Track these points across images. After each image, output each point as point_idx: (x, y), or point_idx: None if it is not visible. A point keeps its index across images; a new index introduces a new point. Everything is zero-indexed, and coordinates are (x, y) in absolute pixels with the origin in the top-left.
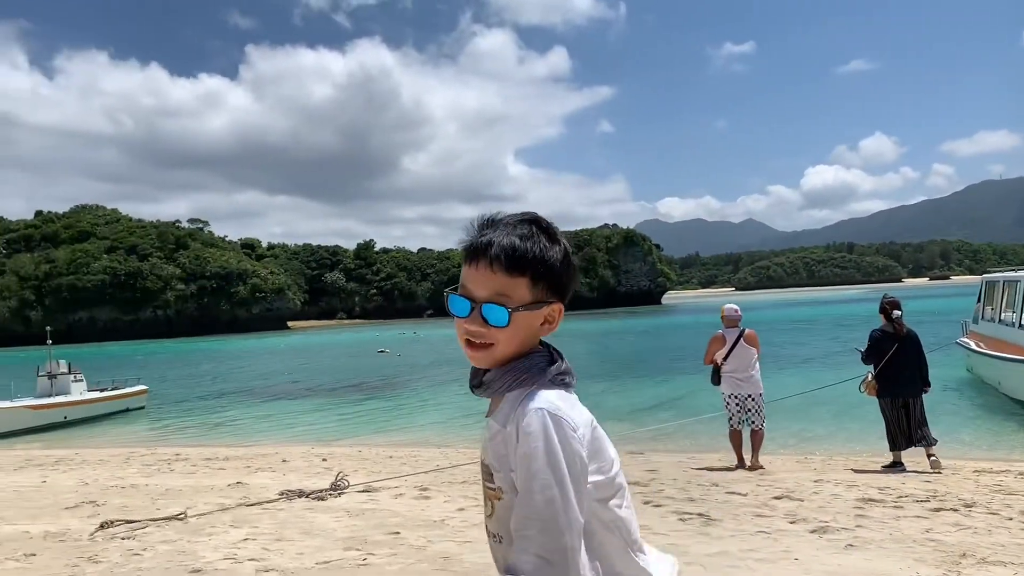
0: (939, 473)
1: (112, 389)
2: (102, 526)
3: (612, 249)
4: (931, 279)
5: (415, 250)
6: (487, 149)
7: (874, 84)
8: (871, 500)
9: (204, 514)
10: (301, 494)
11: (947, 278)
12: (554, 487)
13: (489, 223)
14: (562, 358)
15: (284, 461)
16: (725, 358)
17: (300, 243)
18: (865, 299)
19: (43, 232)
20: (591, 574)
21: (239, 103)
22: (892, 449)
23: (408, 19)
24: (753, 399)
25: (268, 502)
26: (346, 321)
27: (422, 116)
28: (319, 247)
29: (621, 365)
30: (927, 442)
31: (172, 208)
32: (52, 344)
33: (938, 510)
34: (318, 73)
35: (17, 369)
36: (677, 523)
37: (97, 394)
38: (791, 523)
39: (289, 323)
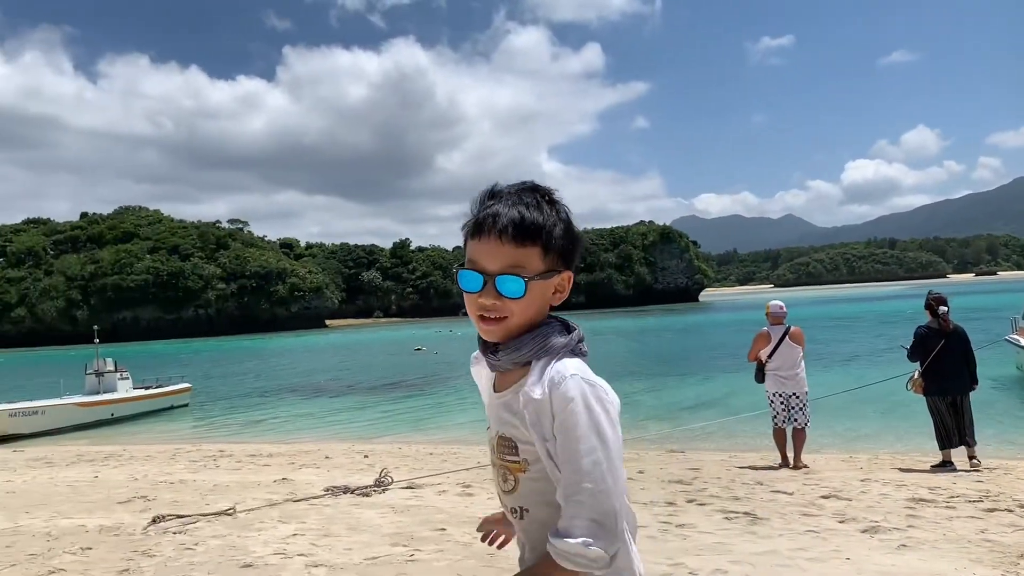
0: (987, 471)
1: (157, 387)
2: (154, 520)
3: (648, 246)
4: (977, 275)
5: (450, 248)
6: (521, 147)
7: (916, 76)
8: (922, 500)
9: (252, 509)
10: (346, 490)
11: (994, 273)
12: (599, 451)
13: (491, 195)
14: (576, 326)
15: (327, 458)
16: (770, 355)
17: (337, 242)
18: (908, 295)
19: (88, 233)
20: (629, 536)
21: (277, 104)
22: (941, 448)
23: (442, 18)
24: (798, 397)
25: (314, 498)
26: (383, 319)
27: (456, 115)
28: (356, 246)
29: (661, 362)
30: (971, 441)
31: (212, 208)
32: (99, 343)
33: (992, 510)
34: (353, 73)
35: (65, 367)
36: (723, 522)
37: (143, 392)
38: (840, 523)
39: (327, 321)
